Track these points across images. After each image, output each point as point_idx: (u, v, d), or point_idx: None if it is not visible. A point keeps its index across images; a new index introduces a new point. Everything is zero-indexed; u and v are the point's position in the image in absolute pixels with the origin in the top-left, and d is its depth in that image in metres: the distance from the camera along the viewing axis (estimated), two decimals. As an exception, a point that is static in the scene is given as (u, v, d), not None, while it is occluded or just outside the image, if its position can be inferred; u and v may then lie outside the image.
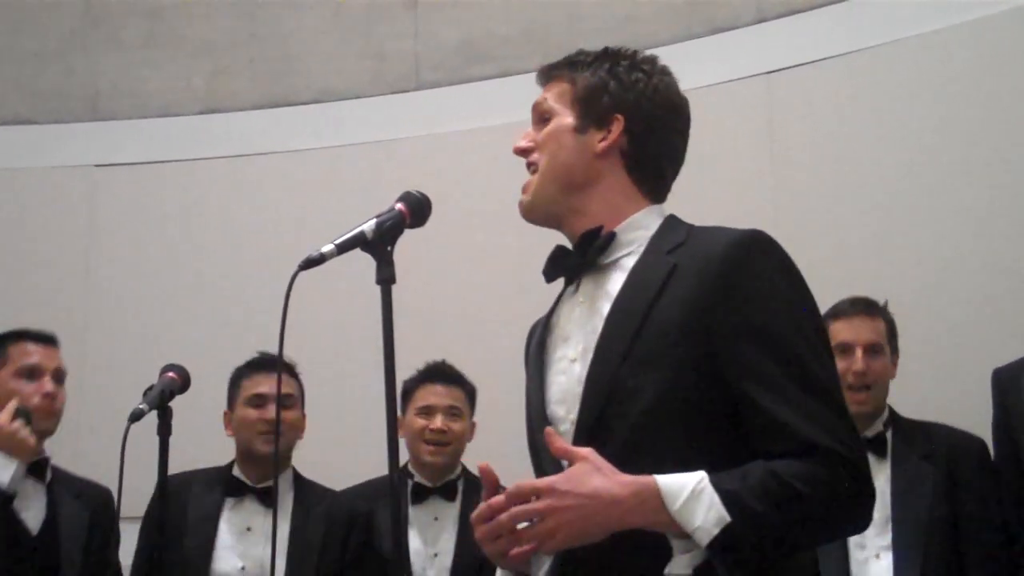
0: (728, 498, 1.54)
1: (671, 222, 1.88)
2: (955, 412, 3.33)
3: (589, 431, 1.70)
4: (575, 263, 1.85)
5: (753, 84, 4.25)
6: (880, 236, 3.93)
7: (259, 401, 3.38)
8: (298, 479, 3.38)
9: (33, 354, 3.14)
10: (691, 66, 4.42)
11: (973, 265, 3.74)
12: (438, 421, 3.44)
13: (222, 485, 3.35)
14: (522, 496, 1.60)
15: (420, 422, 3.45)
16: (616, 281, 1.79)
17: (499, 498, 1.65)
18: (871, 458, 3.13)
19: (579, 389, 1.75)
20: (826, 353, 1.72)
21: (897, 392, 3.30)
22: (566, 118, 1.87)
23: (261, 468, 3.35)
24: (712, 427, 1.66)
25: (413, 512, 3.41)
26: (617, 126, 1.86)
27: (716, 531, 1.53)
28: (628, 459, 1.62)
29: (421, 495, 3.43)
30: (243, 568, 3.17)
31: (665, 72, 1.93)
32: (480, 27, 4.86)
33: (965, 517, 3.08)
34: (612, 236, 1.82)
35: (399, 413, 3.40)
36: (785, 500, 1.56)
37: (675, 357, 1.67)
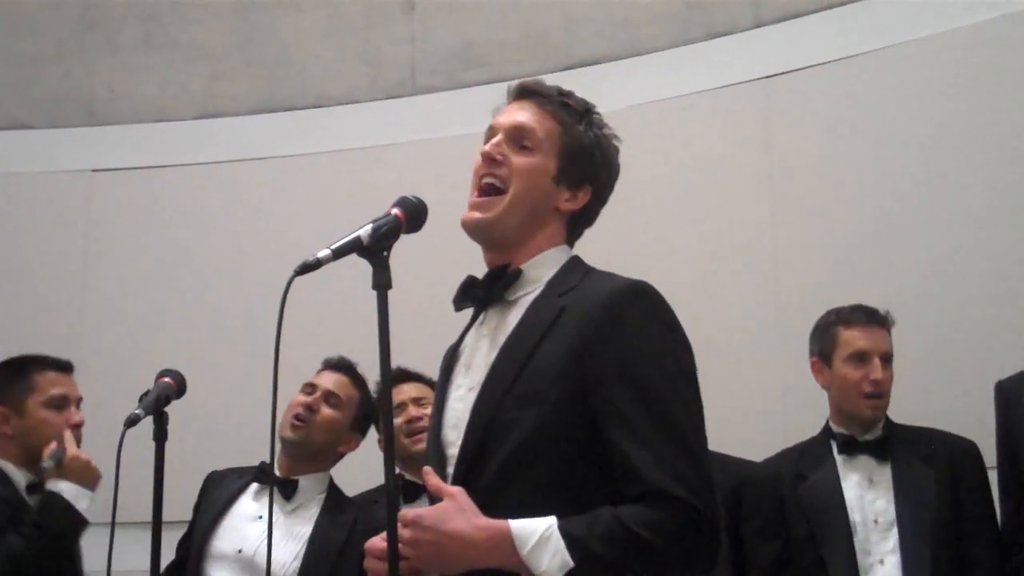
0: (573, 544, 1.63)
1: (572, 264, 1.94)
2: (954, 420, 3.33)
3: (469, 459, 1.79)
4: (483, 295, 1.93)
5: (750, 89, 4.25)
6: (878, 241, 3.93)
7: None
8: (333, 487, 3.36)
9: (59, 383, 3.16)
10: (688, 71, 4.46)
11: (973, 271, 3.74)
12: (411, 411, 3.47)
13: (252, 473, 3.35)
14: (401, 523, 1.72)
15: (396, 421, 3.44)
16: (516, 316, 1.88)
17: (378, 543, 1.79)
18: (872, 462, 3.17)
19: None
20: (693, 403, 1.79)
21: (896, 400, 3.30)
22: (550, 162, 1.93)
23: None
24: (578, 465, 1.74)
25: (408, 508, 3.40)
26: (584, 195, 1.95)
27: (559, 575, 1.63)
28: (499, 488, 1.74)
29: (413, 493, 3.42)
30: (240, 551, 3.14)
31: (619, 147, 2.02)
32: (477, 32, 4.85)
33: (967, 518, 3.09)
34: (518, 273, 1.90)
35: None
36: (628, 546, 1.65)
37: (551, 396, 1.75)
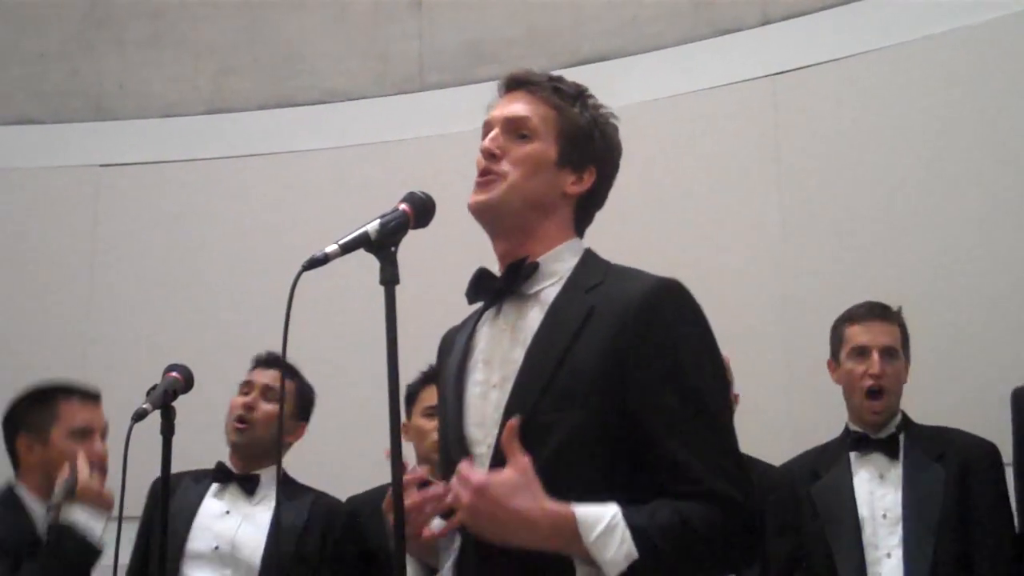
0: (638, 535, 1.64)
1: (589, 258, 1.94)
2: (963, 419, 3.33)
3: (504, 460, 1.74)
4: (498, 288, 1.91)
5: (758, 86, 4.25)
6: (887, 239, 3.92)
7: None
8: (285, 476, 3.43)
9: (84, 413, 3.09)
10: (696, 68, 4.46)
11: (980, 268, 3.74)
12: None
13: (210, 475, 3.44)
14: (460, 480, 1.69)
15: (429, 423, 3.43)
16: (537, 312, 1.87)
17: (437, 490, 1.78)
18: (884, 459, 3.20)
19: (497, 416, 1.82)
20: (727, 400, 1.83)
21: (907, 399, 3.30)
22: (550, 148, 1.91)
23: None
24: (617, 465, 1.75)
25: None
26: (590, 177, 1.94)
27: (624, 565, 1.64)
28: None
29: None
30: (216, 547, 3.26)
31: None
32: (485, 28, 4.86)
33: (975, 519, 3.09)
34: (536, 266, 1.89)
35: (403, 418, 3.41)
36: (686, 541, 1.67)
37: (590, 396, 1.75)
